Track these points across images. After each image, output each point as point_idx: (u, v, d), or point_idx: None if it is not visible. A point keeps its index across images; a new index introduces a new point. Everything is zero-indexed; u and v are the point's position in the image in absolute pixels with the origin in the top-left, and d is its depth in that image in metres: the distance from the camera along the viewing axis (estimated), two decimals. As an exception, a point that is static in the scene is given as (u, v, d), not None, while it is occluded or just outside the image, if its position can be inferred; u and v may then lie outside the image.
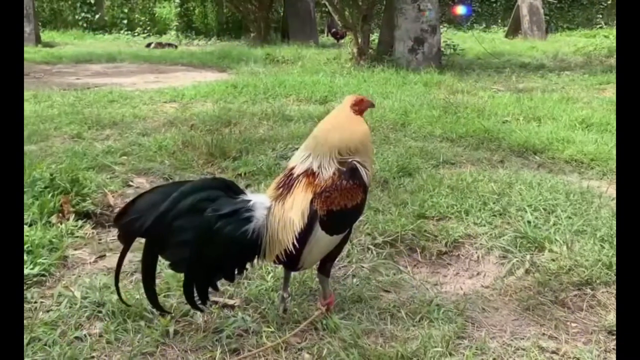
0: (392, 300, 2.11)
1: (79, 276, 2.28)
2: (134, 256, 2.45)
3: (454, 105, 5.64)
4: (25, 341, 1.78)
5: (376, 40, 10.49)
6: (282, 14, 16.61)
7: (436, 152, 4.05)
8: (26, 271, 2.21)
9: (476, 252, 2.62)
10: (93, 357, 1.75)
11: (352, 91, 6.89)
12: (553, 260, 2.44)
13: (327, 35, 16.73)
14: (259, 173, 3.56)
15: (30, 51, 11.82)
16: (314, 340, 1.85)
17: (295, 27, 15.00)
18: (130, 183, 3.46)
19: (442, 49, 9.95)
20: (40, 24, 14.50)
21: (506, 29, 17.69)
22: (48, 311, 2.00)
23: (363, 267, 2.36)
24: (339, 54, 11.05)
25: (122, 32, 16.36)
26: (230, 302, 2.06)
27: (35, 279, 2.20)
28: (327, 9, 18.17)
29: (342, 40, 14.93)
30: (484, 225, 2.79)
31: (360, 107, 1.97)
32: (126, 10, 16.89)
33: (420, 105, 5.72)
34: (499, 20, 20.50)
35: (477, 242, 2.66)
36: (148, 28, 16.41)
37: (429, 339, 1.81)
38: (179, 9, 16.57)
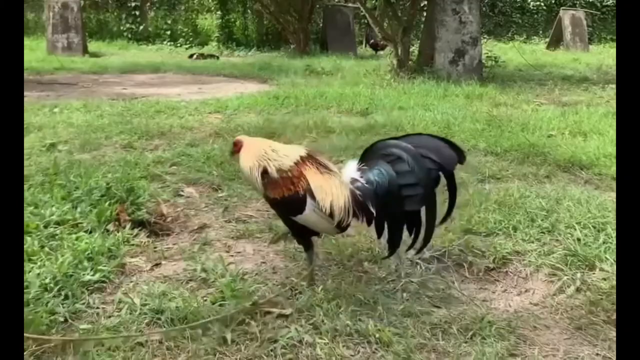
0: (442, 316, 2.12)
1: (137, 283, 2.36)
2: (188, 265, 2.54)
3: (497, 119, 5.61)
4: (91, 346, 1.87)
5: (416, 52, 10.50)
6: (321, 25, 16.76)
7: (481, 166, 4.04)
8: (87, 277, 2.30)
9: (524, 269, 2.60)
10: (154, 362, 1.82)
11: (393, 103, 6.92)
12: (604, 279, 2.41)
13: (366, 47, 16.79)
14: (305, 185, 3.61)
15: (78, 61, 12.24)
16: (367, 354, 1.88)
17: (334, 38, 15.13)
18: (181, 193, 3.56)
19: (483, 60, 9.89)
20: (87, 34, 14.96)
21: (547, 40, 17.44)
22: (110, 317, 2.09)
23: (412, 281, 2.39)
24: (378, 65, 11.09)
25: (165, 42, 16.74)
26: (284, 312, 2.11)
27: (96, 285, 2.29)
28: (366, 21, 18.28)
29: (381, 52, 14.98)
30: (533, 242, 2.77)
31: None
32: (169, 22, 17.30)
33: (462, 117, 5.71)
34: (540, 32, 20.22)
35: (525, 259, 2.65)
36: (190, 39, 16.75)
37: (482, 356, 1.82)
38: (220, 20, 16.87)
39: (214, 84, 9.76)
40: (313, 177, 2.16)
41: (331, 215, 2.13)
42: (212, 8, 17.41)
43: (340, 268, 2.50)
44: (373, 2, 14.58)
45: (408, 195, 2.07)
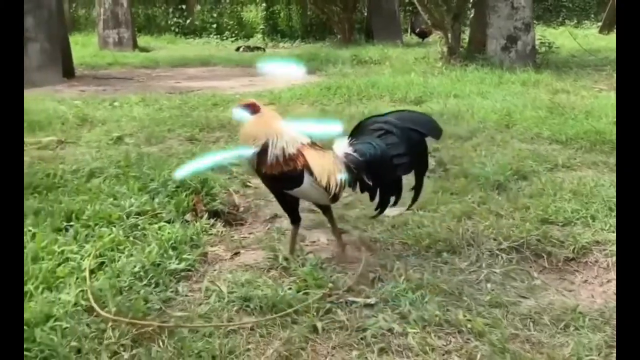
0: (531, 307, 2.09)
1: (220, 272, 2.42)
2: (267, 254, 2.58)
3: (560, 106, 5.46)
4: (185, 332, 1.92)
5: (466, 39, 10.32)
6: (365, 14, 16.64)
7: (549, 155, 3.95)
8: (173, 266, 2.37)
9: (606, 260, 2.54)
10: (249, 349, 1.86)
11: (448, 91, 6.83)
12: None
13: (411, 35, 16.59)
14: (371, 175, 3.61)
15: (129, 56, 12.51)
16: (459, 343, 1.88)
17: (379, 27, 14.98)
18: (248, 184, 3.62)
19: (536, 46, 9.64)
20: (136, 29, 15.27)
21: (600, 24, 16.84)
22: (200, 304, 2.14)
23: (495, 272, 2.36)
24: (427, 53, 10.94)
25: (211, 36, 16.95)
26: (369, 301, 2.13)
27: (182, 274, 2.35)
28: (410, 8, 18.04)
29: (428, 39, 14.78)
30: (613, 232, 2.70)
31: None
32: (215, 15, 17.49)
33: (523, 105, 5.58)
34: (592, 15, 19.54)
35: (606, 249, 2.59)
36: (236, 32, 16.90)
37: (581, 347, 1.79)
38: (265, 12, 16.96)
39: (263, 76, 9.83)
40: (310, 154, 2.39)
41: (327, 188, 2.36)
42: (257, 0, 17.49)
43: (419, 259, 2.49)
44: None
45: (398, 163, 2.35)
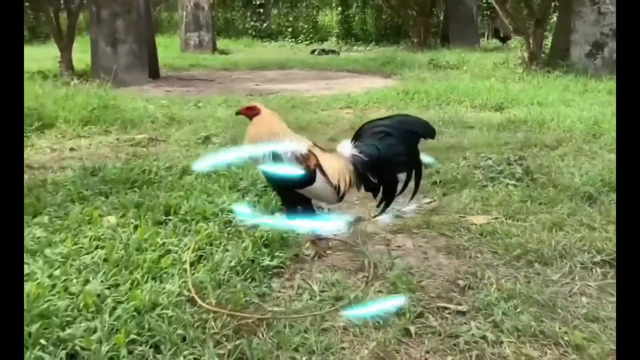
0: (632, 323, 2.03)
1: (310, 271, 2.49)
2: (354, 256, 2.62)
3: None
4: (281, 325, 2.00)
5: (548, 45, 10.01)
6: (442, 18, 16.44)
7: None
8: (266, 262, 2.46)
9: None
10: (344, 347, 1.91)
11: (530, 98, 6.66)
12: None
13: (489, 39, 16.24)
14: (454, 181, 3.59)
15: (209, 58, 12.98)
16: (556, 356, 1.85)
17: (456, 31, 14.78)
18: (331, 186, 3.68)
19: (625, 53, 9.21)
20: (215, 32, 15.78)
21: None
22: (293, 301, 2.22)
23: (589, 285, 2.30)
24: (506, 58, 10.70)
25: (286, 39, 17.26)
26: (460, 308, 2.13)
27: (275, 271, 2.44)
28: (488, 12, 17.68)
29: (507, 43, 14.44)
30: None
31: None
32: (291, 19, 17.80)
33: (612, 114, 5.37)
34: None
35: None
36: (310, 35, 17.14)
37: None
38: (340, 16, 17.09)
39: (339, 79, 9.94)
40: (320, 154, 2.54)
41: (338, 187, 2.51)
42: (333, 4, 17.64)
43: (510, 268, 2.46)
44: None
45: (398, 162, 2.51)
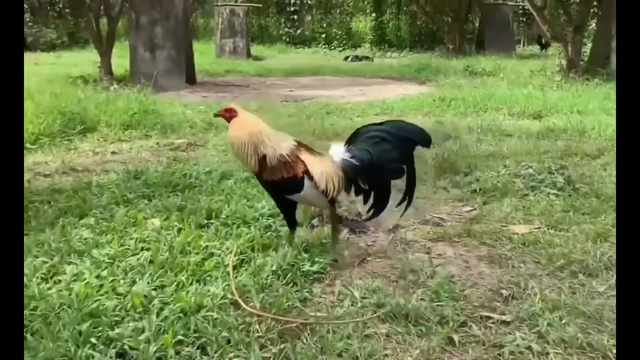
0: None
1: (350, 277, 2.49)
2: (394, 263, 2.62)
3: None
4: (324, 331, 2.00)
5: (587, 52, 9.84)
6: (477, 24, 16.30)
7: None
8: (306, 268, 2.47)
9: None
10: (387, 355, 1.91)
11: (569, 106, 6.55)
12: None
13: (524, 46, 16.04)
14: (495, 190, 3.56)
15: (244, 64, 13.12)
16: (605, 370, 1.82)
17: (491, 37, 14.64)
18: (369, 192, 3.68)
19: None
20: (250, 38, 15.96)
21: None
22: (333, 306, 2.22)
23: (637, 298, 2.25)
24: (543, 65, 10.55)
25: (319, 45, 17.35)
26: (504, 318, 2.11)
27: (315, 276, 2.45)
28: (524, 19, 17.45)
29: (546, 50, 14.23)
30: None
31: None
32: (324, 25, 17.89)
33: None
34: None
35: None
36: (344, 41, 17.19)
37: None
38: (374, 22, 17.10)
39: (373, 85, 9.94)
40: (308, 160, 2.51)
41: (325, 192, 2.49)
42: (367, 10, 17.67)
43: (554, 279, 2.43)
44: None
45: (391, 168, 2.50)
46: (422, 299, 2.25)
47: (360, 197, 2.62)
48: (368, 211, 2.59)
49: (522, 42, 16.49)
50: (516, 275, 2.45)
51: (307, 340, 1.94)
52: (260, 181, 2.60)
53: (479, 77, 9.87)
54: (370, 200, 2.57)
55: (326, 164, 2.52)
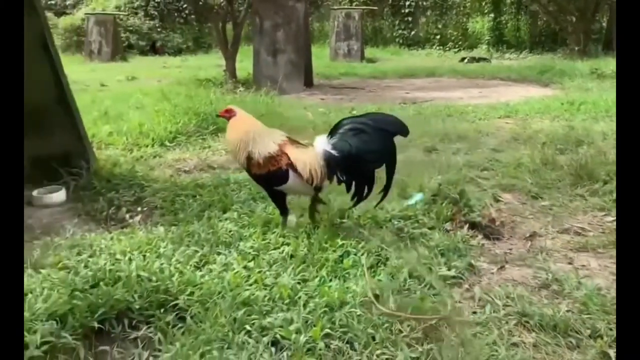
0: None
1: (489, 283, 2.44)
2: (535, 272, 2.53)
3: None
4: (469, 335, 1.98)
5: None
6: (605, 23, 15.28)
7: None
8: (443, 272, 2.46)
9: None
10: (536, 365, 1.86)
11: None
12: None
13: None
14: None
15: (358, 67, 13.22)
16: None
17: (622, 37, 13.62)
18: (499, 198, 3.58)
19: None
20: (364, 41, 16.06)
21: None
22: (474, 312, 2.19)
23: None
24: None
25: (433, 47, 17.09)
26: None
27: (452, 280, 2.43)
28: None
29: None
30: None
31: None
32: (440, 26, 17.59)
33: None
34: None
35: None
36: (459, 43, 16.81)
37: None
38: (492, 22, 16.57)
39: (492, 87, 9.64)
40: (293, 152, 2.73)
41: (310, 181, 2.69)
42: (485, 10, 17.15)
43: None
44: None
45: (370, 158, 2.65)
46: (569, 311, 2.16)
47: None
48: (352, 198, 2.74)
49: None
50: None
51: (452, 344, 1.94)
52: (250, 175, 2.82)
53: (609, 80, 9.23)
54: (352, 188, 2.72)
55: (310, 155, 2.72)
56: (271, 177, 2.73)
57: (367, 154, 2.64)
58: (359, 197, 2.72)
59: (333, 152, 2.68)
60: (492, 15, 16.71)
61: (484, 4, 17.16)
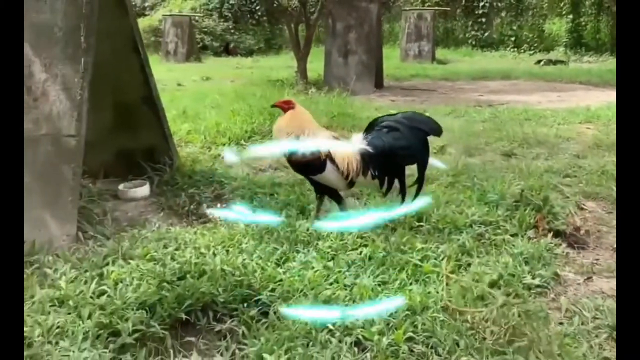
0: None
1: (576, 294, 2.36)
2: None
3: None
4: (555, 348, 1.92)
5: None
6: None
7: None
8: (528, 281, 2.39)
9: None
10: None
11: None
12: None
13: None
14: None
15: (429, 68, 13.04)
16: None
17: None
18: (583, 206, 3.44)
19: None
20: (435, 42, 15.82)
21: None
22: (561, 323, 2.12)
23: None
24: None
25: (508, 49, 16.61)
26: None
27: (538, 290, 2.36)
28: None
29: None
30: None
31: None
32: (515, 28, 17.08)
33: None
34: None
35: None
36: (535, 45, 16.26)
37: None
38: (570, 24, 15.92)
39: (571, 91, 9.27)
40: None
41: (345, 173, 2.81)
42: (563, 12, 16.51)
43: None
44: None
45: (403, 154, 2.80)
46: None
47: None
48: (385, 194, 2.90)
49: None
50: None
51: (539, 355, 1.88)
52: (290, 163, 2.97)
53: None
54: (386, 184, 2.86)
55: (347, 150, 2.83)
56: (309, 165, 2.85)
57: (400, 150, 2.78)
58: (387, 191, 2.88)
59: (368, 148, 2.82)
60: (570, 16, 16.05)
61: (562, 5, 16.49)
